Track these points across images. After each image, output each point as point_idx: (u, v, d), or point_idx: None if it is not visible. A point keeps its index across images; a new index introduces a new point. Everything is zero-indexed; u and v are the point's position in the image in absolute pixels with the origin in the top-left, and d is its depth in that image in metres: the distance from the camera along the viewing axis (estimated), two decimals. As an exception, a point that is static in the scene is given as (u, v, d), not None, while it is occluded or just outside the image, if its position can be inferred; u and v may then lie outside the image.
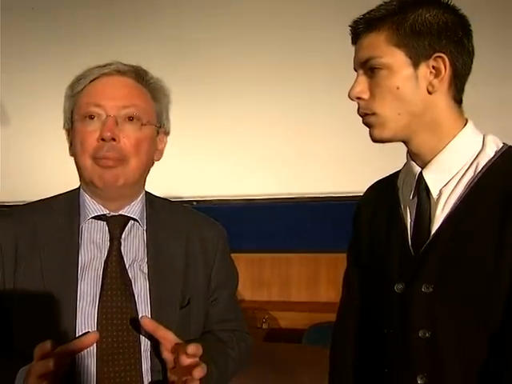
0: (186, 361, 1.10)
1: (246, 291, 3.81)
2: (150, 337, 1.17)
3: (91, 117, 1.20)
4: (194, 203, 3.35)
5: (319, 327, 3.40)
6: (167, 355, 1.13)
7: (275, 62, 3.22)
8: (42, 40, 3.45)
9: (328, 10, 3.03)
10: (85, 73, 1.24)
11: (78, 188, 1.30)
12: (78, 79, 1.24)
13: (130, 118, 1.21)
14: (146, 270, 1.22)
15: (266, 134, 3.28)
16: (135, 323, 1.17)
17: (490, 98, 2.89)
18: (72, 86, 1.25)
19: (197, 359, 1.10)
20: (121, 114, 1.20)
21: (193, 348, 1.09)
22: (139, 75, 1.25)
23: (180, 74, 3.08)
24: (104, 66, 1.24)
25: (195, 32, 3.32)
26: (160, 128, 1.28)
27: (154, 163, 1.30)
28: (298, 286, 3.87)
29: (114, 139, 1.18)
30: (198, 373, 1.09)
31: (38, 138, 3.27)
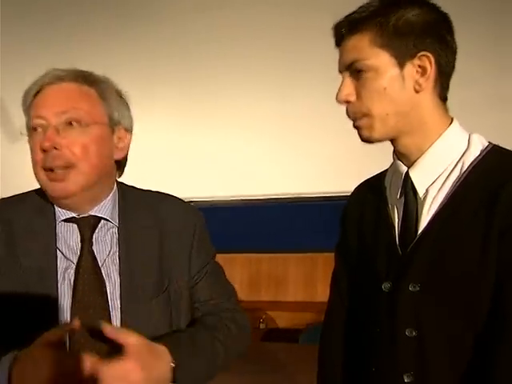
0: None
1: (244, 291, 3.81)
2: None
3: (35, 129, 1.20)
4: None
5: (316, 327, 3.41)
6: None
7: (269, 61, 3.23)
8: (42, 40, 3.45)
9: (328, 7, 3.04)
10: (29, 87, 1.23)
11: None
12: (25, 95, 1.24)
13: (70, 123, 1.19)
14: (117, 264, 1.22)
15: (261, 132, 3.28)
16: (106, 319, 1.17)
17: (485, 96, 2.90)
18: (23, 101, 1.25)
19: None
20: (61, 120, 1.18)
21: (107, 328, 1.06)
22: (81, 77, 1.23)
23: (176, 74, 3.09)
24: (43, 75, 1.23)
25: (194, 33, 3.32)
26: (116, 126, 1.26)
27: (118, 162, 1.29)
28: (295, 285, 3.88)
29: (56, 148, 1.17)
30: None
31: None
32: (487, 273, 1.01)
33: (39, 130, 1.19)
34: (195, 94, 3.25)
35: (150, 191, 1.38)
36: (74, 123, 1.19)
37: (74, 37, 3.39)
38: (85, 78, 1.23)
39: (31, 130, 1.21)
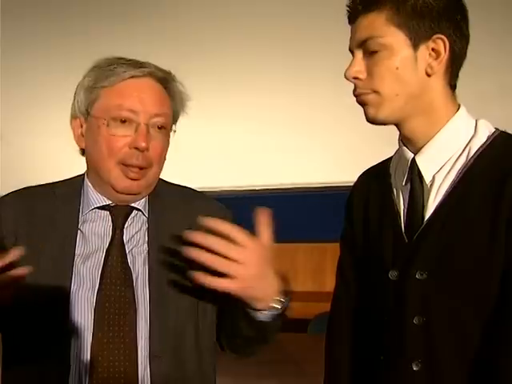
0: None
1: (252, 281, 3.82)
2: (148, 323, 1.17)
3: (123, 121, 1.18)
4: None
5: (325, 316, 3.40)
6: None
7: (279, 50, 3.21)
8: (43, 32, 3.44)
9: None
10: (113, 68, 1.19)
11: (83, 175, 1.29)
12: (105, 74, 1.20)
13: (160, 127, 1.21)
14: (145, 255, 1.22)
15: (269, 123, 3.27)
16: (132, 310, 1.17)
17: (494, 85, 2.87)
18: (95, 78, 1.21)
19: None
20: (152, 121, 1.19)
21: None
22: (167, 81, 1.24)
23: (184, 65, 3.08)
24: (135, 65, 1.20)
25: (204, 23, 3.31)
26: (171, 132, 1.28)
27: None
28: (304, 275, 3.88)
29: (146, 149, 1.19)
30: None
31: (40, 130, 3.28)
32: (495, 260, 1.00)
33: (126, 123, 1.18)
34: (202, 83, 3.24)
35: (179, 185, 1.37)
36: (162, 128, 1.21)
37: (75, 29, 3.39)
38: (169, 82, 1.24)
39: (113, 119, 1.18)
